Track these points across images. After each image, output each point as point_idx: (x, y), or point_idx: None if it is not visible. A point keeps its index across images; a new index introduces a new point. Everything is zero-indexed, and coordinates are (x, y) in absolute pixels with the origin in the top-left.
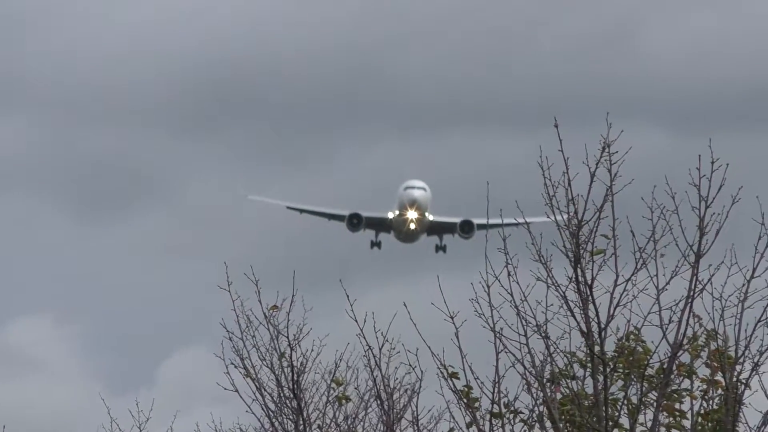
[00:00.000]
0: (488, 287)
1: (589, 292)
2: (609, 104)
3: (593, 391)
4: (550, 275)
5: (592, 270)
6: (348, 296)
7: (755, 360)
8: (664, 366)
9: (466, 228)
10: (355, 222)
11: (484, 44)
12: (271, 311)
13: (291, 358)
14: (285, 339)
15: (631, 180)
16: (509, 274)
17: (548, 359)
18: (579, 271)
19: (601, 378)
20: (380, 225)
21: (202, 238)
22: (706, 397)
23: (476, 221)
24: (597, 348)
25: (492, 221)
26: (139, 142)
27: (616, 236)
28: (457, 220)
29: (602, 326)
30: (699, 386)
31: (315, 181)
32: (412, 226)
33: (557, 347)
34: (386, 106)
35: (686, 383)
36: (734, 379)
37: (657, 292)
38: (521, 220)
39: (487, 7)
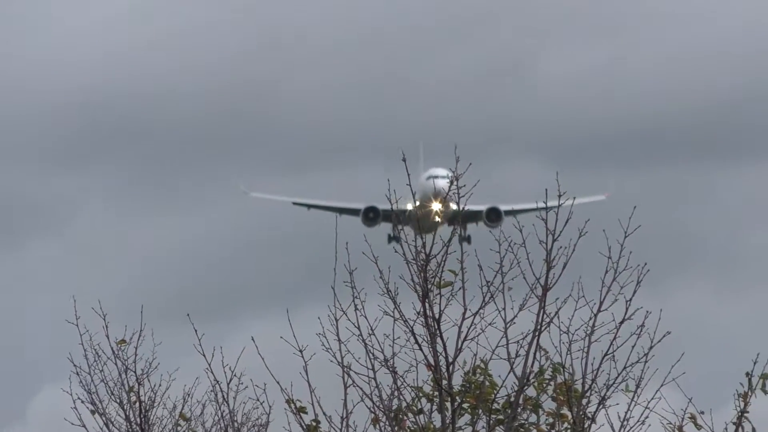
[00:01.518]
0: (336, 321)
1: (437, 326)
2: (489, 138)
3: (441, 425)
4: (398, 308)
5: (440, 304)
6: (196, 331)
7: (602, 394)
8: (512, 400)
9: (493, 216)
10: (371, 216)
11: (367, 78)
12: (119, 345)
13: (138, 393)
14: (132, 374)
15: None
16: (356, 308)
17: (395, 393)
18: (427, 304)
19: (448, 412)
20: (398, 218)
21: (83, 271)
22: (553, 431)
23: (503, 207)
24: (444, 382)
25: (518, 207)
26: (21, 175)
27: (464, 270)
28: (482, 207)
29: (450, 360)
30: (546, 420)
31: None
32: (437, 218)
33: (404, 381)
34: (262, 140)
35: (533, 417)
36: (581, 413)
37: (505, 325)
38: (550, 204)
39: (372, 39)
